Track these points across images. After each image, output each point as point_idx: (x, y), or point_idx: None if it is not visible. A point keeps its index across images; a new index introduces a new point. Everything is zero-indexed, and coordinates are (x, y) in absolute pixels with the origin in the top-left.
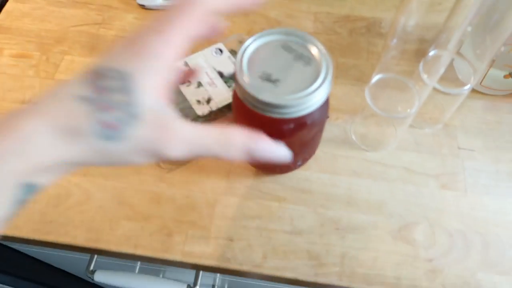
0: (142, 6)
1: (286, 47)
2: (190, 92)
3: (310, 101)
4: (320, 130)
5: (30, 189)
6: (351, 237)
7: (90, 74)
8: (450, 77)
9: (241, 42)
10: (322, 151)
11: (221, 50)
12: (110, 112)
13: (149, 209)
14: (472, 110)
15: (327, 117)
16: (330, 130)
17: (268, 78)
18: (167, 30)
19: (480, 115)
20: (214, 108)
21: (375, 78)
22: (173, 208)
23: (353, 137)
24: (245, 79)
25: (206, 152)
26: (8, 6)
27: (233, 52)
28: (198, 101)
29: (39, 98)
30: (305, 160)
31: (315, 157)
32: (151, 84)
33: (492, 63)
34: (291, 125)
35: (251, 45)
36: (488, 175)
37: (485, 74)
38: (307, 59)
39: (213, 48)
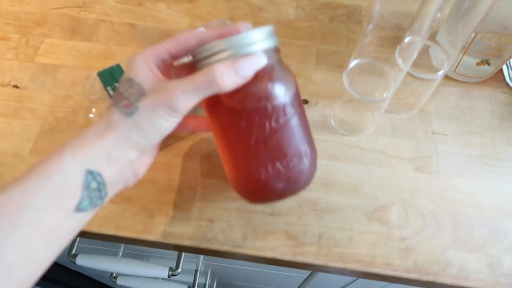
0: None
1: None
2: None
3: (252, 39)
4: (292, 126)
5: (93, 176)
6: (329, 217)
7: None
8: (426, 63)
9: None
10: None
11: None
12: (123, 99)
13: (131, 191)
14: (447, 97)
15: (305, 101)
16: (310, 115)
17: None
18: (143, 51)
19: (454, 101)
20: None
21: (353, 63)
22: (154, 190)
23: (332, 121)
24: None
25: (203, 90)
26: None
27: None
28: None
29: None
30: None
31: None
32: (145, 75)
33: (465, 50)
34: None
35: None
36: (460, 159)
37: (459, 61)
38: None
39: None
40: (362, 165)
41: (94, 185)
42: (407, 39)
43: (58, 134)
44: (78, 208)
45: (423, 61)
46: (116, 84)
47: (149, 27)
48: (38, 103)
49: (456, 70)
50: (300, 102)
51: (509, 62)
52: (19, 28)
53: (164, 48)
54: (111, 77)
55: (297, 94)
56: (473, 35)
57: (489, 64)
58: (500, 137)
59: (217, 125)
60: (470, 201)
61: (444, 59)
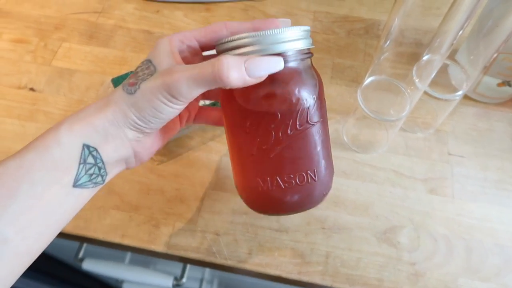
0: None
1: None
2: None
3: (281, 37)
4: (309, 136)
5: (90, 150)
6: (337, 237)
7: None
8: (444, 82)
9: None
10: None
11: None
12: (132, 78)
13: (138, 200)
14: (464, 117)
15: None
16: None
17: None
18: (170, 35)
19: (472, 122)
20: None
21: (368, 79)
22: (161, 200)
23: (345, 137)
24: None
25: (206, 81)
26: None
27: None
28: None
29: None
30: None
31: None
32: (163, 58)
33: (486, 71)
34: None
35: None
36: (476, 182)
37: (479, 81)
38: None
39: None
40: (374, 184)
41: (91, 160)
42: (425, 57)
43: None
44: (76, 183)
45: (442, 80)
46: None
47: (165, 35)
48: (53, 106)
49: (476, 90)
50: (323, 116)
51: None
52: (38, 31)
53: (192, 35)
54: None
55: (319, 107)
56: (495, 55)
57: (510, 85)
58: None
59: (226, 120)
60: (485, 227)
61: (464, 79)
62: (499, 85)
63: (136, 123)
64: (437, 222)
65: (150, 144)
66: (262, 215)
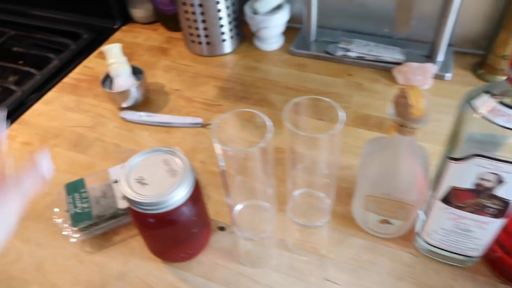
0: (123, 119)
1: (165, 162)
2: (118, 189)
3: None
4: (191, 232)
5: None
6: None
7: None
8: None
9: None
10: (206, 257)
11: None
12: None
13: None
14: (351, 247)
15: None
16: (220, 240)
17: (140, 181)
18: None
19: (356, 253)
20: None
21: None
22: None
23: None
24: (123, 183)
25: None
26: (35, 106)
27: None
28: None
29: None
30: (188, 255)
31: (198, 260)
32: None
33: (366, 207)
34: (153, 220)
35: (139, 158)
36: None
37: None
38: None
39: None
40: None
41: None
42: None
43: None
44: None
45: None
46: (75, 194)
47: (130, 149)
48: None
49: (367, 224)
50: None
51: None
52: (41, 137)
53: None
54: (74, 188)
55: None
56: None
57: (390, 223)
58: None
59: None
60: None
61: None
62: (380, 222)
63: None
64: None
65: None
66: None
